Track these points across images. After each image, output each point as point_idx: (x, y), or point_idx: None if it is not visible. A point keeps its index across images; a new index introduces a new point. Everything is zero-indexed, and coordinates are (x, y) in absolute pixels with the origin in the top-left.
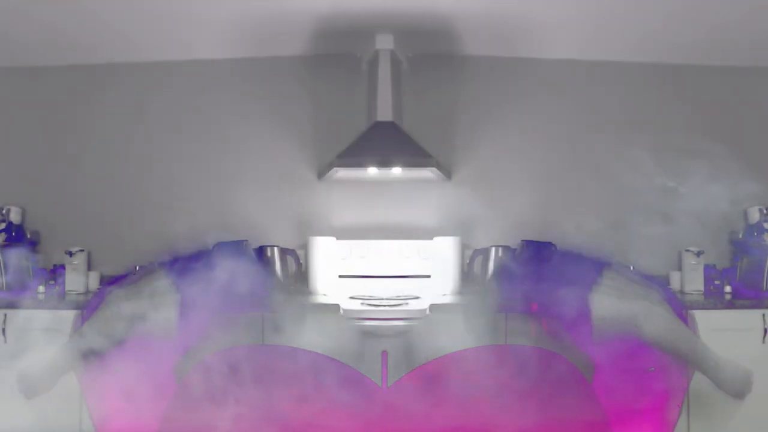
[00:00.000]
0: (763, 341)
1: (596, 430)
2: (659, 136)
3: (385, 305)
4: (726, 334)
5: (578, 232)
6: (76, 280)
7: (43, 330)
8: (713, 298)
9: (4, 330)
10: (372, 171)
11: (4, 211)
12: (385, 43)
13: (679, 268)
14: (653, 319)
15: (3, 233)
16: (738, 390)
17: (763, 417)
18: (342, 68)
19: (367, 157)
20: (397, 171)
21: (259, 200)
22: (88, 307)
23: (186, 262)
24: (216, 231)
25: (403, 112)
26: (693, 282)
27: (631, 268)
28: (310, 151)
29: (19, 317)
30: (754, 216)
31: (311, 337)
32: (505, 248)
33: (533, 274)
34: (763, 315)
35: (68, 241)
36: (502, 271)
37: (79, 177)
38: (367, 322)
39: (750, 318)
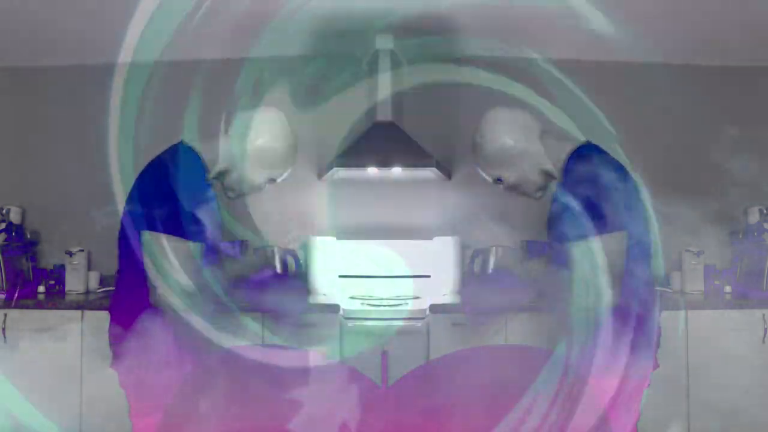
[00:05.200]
0: (763, 341)
1: (595, 430)
2: (659, 136)
3: (385, 305)
4: (726, 334)
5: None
6: (76, 280)
7: (43, 330)
8: (713, 298)
9: (4, 330)
10: (372, 171)
11: (4, 211)
12: (385, 43)
13: (679, 268)
14: None
15: (3, 233)
16: None
17: (763, 415)
18: (342, 68)
19: (367, 157)
20: (397, 171)
21: (259, 200)
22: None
23: None
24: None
25: (403, 112)
26: (693, 282)
27: None
28: (310, 151)
29: (19, 317)
30: (754, 216)
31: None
32: (505, 248)
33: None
34: (763, 315)
35: (68, 241)
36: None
37: (79, 177)
38: (367, 322)
39: (750, 318)
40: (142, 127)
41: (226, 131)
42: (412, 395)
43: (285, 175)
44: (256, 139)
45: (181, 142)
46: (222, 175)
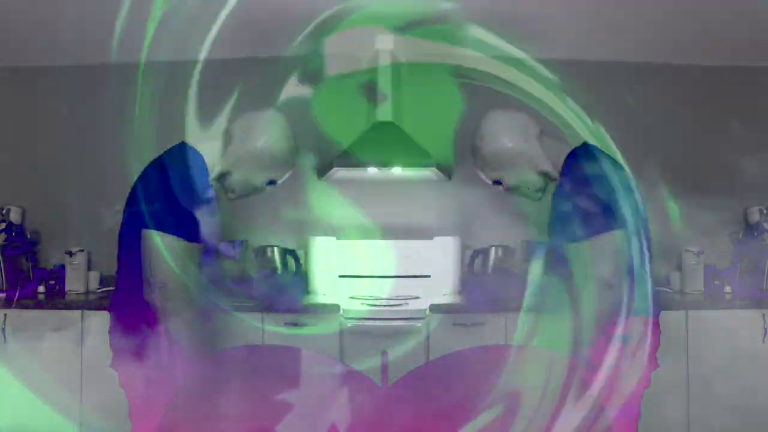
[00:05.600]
0: (763, 341)
1: (596, 430)
2: (659, 137)
3: (385, 305)
4: (726, 334)
5: None
6: (76, 280)
7: (43, 330)
8: (713, 298)
9: (4, 330)
10: (372, 171)
11: (4, 211)
12: (385, 43)
13: (679, 268)
14: None
15: (3, 233)
16: None
17: (764, 415)
18: (341, 68)
19: (367, 157)
20: (397, 171)
21: (259, 200)
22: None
23: None
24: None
25: (403, 112)
26: (693, 282)
27: None
28: (310, 151)
29: (19, 317)
30: (754, 216)
31: None
32: (505, 248)
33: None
34: (763, 315)
35: (68, 241)
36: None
37: (78, 177)
38: (367, 322)
39: (750, 318)
40: (144, 127)
41: (227, 133)
42: (412, 395)
43: (285, 176)
44: (256, 141)
45: (182, 143)
46: (222, 176)
